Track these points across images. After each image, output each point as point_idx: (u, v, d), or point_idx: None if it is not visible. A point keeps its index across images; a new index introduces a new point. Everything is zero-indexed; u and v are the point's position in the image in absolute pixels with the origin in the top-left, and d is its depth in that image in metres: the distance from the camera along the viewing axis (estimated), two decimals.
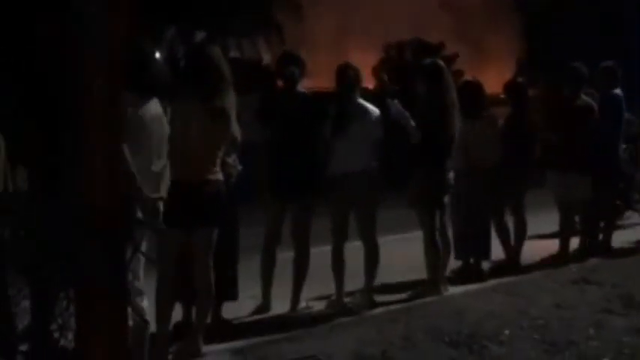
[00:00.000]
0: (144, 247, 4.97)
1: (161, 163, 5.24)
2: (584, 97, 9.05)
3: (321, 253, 7.37)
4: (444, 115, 7.54)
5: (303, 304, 7.15)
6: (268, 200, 7.02)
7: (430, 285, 7.64)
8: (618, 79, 9.43)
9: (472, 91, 8.51)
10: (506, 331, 6.53)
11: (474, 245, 8.52)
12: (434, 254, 7.61)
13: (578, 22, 30.29)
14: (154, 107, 5.29)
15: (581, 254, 9.26)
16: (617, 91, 9.40)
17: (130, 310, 3.37)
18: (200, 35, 23.64)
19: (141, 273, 4.98)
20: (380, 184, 7.28)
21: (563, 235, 9.11)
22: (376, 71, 34.81)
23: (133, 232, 3.67)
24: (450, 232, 8.04)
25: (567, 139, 8.84)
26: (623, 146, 9.90)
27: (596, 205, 9.41)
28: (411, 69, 16.04)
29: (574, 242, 9.35)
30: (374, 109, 7.28)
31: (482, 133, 8.36)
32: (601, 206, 9.53)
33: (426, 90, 7.67)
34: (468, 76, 12.18)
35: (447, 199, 7.81)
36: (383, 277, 7.62)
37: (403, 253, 7.78)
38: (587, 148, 8.92)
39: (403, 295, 7.63)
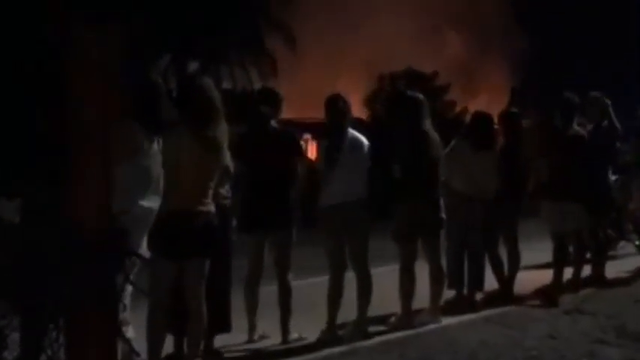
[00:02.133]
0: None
1: (156, 200, 5.28)
2: (575, 127, 9.08)
3: (314, 284, 7.35)
4: (419, 150, 7.55)
5: (295, 335, 7.11)
6: (245, 236, 7.03)
7: (404, 317, 7.60)
8: (607, 110, 9.44)
9: (482, 124, 8.57)
10: None
11: (468, 276, 8.52)
12: (407, 287, 7.58)
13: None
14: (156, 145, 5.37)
15: (575, 284, 9.24)
16: (606, 122, 9.42)
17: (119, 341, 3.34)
18: (193, 65, 23.74)
19: (127, 303, 4.93)
20: (371, 213, 7.28)
21: (556, 265, 9.09)
22: (368, 102, 34.95)
23: (125, 262, 3.66)
24: (443, 262, 8.02)
25: (559, 169, 8.86)
26: (615, 177, 9.91)
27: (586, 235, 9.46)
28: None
29: (567, 272, 9.34)
30: (363, 139, 7.31)
31: (489, 165, 8.40)
32: (592, 236, 9.54)
33: (401, 123, 7.69)
34: (459, 106, 12.23)
35: (440, 229, 7.80)
36: (375, 308, 7.58)
37: (395, 284, 7.72)
38: (579, 177, 8.94)
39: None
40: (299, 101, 21.64)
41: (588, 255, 9.77)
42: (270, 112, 7.11)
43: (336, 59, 37.99)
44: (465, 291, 8.54)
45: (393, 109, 7.99)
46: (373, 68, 36.54)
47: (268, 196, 6.96)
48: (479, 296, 8.64)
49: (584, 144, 9.03)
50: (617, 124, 9.51)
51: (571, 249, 9.59)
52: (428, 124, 7.65)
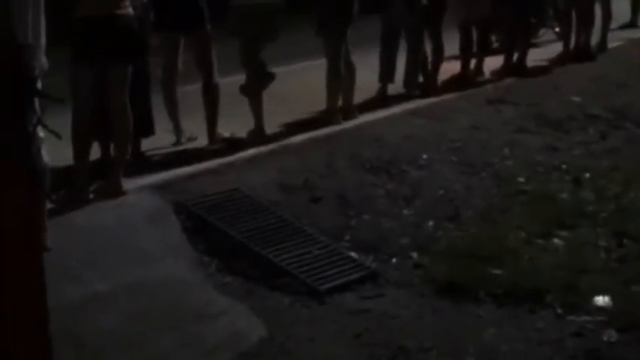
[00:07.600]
0: None
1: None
2: None
3: (237, 82, 7.23)
4: None
5: (225, 134, 7.06)
6: (160, 35, 6.84)
7: (330, 113, 7.56)
8: None
9: None
10: (425, 155, 6.65)
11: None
12: (335, 82, 7.50)
13: None
14: None
15: (499, 74, 9.35)
16: None
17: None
18: None
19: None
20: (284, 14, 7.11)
21: (463, 55, 9.15)
22: None
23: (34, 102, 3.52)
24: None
25: None
26: None
27: (512, 24, 9.49)
28: None
29: (490, 62, 9.43)
30: None
31: None
32: (516, 25, 9.56)
33: None
34: None
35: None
36: (302, 104, 7.57)
37: (320, 80, 7.63)
38: None
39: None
40: None
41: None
42: None
43: None
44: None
45: None
46: None
47: None
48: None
49: None
50: None
51: (494, 39, 9.59)
52: None
